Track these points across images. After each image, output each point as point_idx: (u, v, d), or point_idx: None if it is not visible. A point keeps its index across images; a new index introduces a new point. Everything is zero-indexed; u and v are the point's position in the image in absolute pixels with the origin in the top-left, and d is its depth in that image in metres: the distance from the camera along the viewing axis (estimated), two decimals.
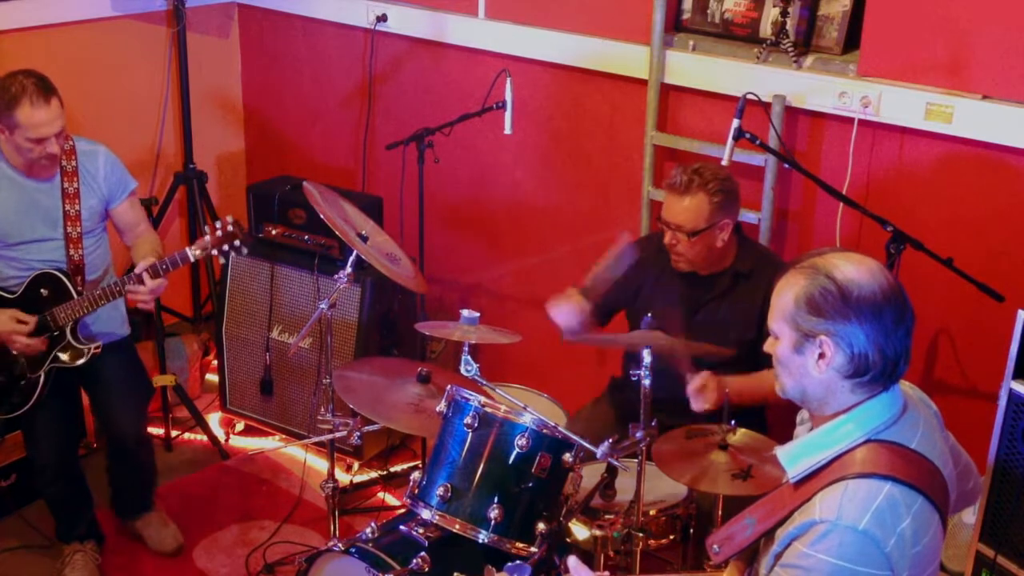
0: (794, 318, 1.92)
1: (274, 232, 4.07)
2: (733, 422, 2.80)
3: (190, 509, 3.92)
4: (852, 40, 3.40)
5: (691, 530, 2.90)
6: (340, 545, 2.71)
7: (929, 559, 1.91)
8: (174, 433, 4.31)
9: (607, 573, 2.23)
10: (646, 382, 2.72)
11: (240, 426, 4.38)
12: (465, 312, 2.75)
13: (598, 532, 2.82)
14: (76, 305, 3.35)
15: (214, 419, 4.42)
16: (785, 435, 2.18)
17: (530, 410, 2.60)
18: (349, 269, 3.23)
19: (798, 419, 2.19)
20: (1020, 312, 2.64)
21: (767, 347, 2.02)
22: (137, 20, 4.50)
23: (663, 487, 2.91)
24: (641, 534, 2.77)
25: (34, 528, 3.75)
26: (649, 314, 2.82)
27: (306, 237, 4.00)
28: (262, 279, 4.15)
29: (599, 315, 3.39)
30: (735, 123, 3.11)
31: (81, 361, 3.40)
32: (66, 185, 3.39)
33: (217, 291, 4.35)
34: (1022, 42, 3.04)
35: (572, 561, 1.96)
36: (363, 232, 3.27)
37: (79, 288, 3.39)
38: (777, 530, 1.98)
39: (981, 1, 3.07)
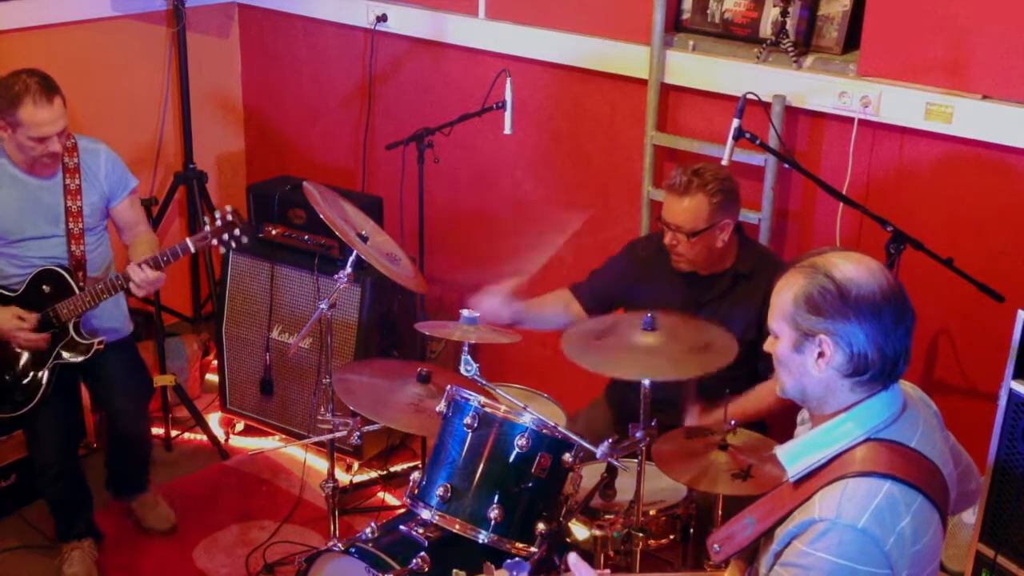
0: (793, 317, 1.93)
1: (274, 232, 4.07)
2: (733, 422, 2.80)
3: (190, 509, 3.92)
4: (852, 40, 3.40)
5: (691, 530, 2.90)
6: (340, 545, 2.71)
7: (929, 558, 1.91)
8: (174, 433, 4.31)
9: (607, 571, 2.23)
10: (646, 383, 2.72)
11: (240, 426, 4.38)
12: (465, 312, 2.75)
13: (598, 532, 2.81)
14: (78, 300, 3.36)
15: (214, 419, 4.42)
16: (785, 435, 2.18)
17: (530, 410, 2.60)
18: (349, 269, 3.23)
19: (798, 419, 2.19)
20: (1020, 312, 2.64)
21: (767, 346, 2.03)
22: (137, 20, 4.50)
23: (663, 487, 2.91)
24: (641, 534, 2.77)
25: (34, 528, 3.75)
26: (649, 314, 2.82)
27: (306, 237, 4.00)
28: (262, 279, 4.15)
29: (594, 312, 3.39)
30: (735, 123, 3.11)
31: (85, 357, 3.41)
32: (68, 182, 3.40)
33: (217, 291, 4.35)
34: (1022, 42, 3.04)
35: (572, 558, 1.96)
36: (363, 232, 3.27)
37: (81, 284, 3.41)
38: (777, 529, 1.98)
39: (981, 1, 3.07)
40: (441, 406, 2.69)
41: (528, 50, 3.99)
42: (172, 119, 4.68)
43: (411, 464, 4.14)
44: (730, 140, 3.13)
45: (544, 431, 2.59)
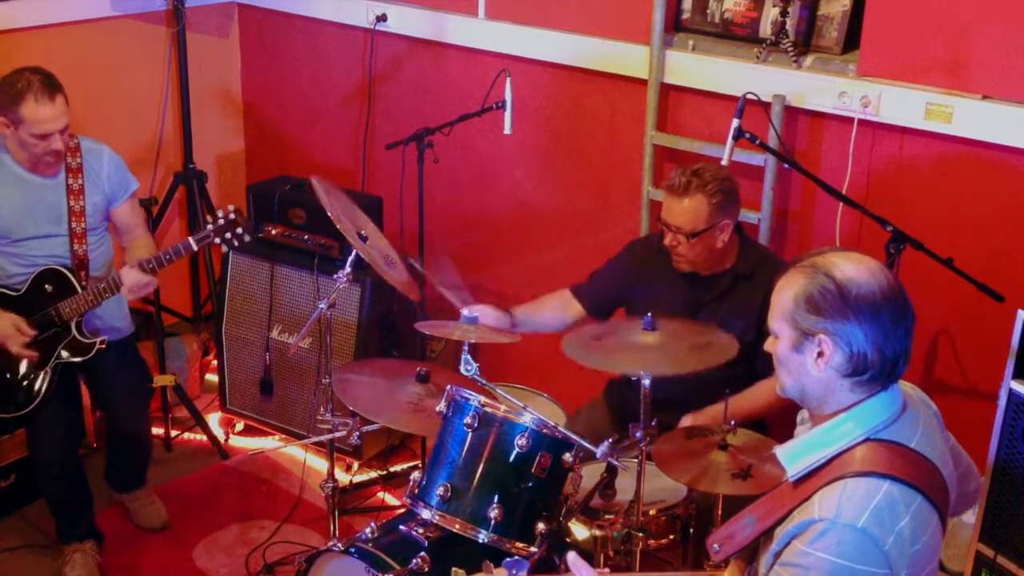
0: (793, 317, 1.93)
1: (274, 232, 4.06)
2: (733, 422, 2.80)
3: (190, 509, 3.92)
4: (852, 40, 3.40)
5: (691, 530, 2.90)
6: (340, 545, 2.71)
7: (928, 558, 1.91)
8: (174, 433, 4.31)
9: (607, 570, 2.23)
10: (646, 382, 2.72)
11: (240, 426, 4.38)
12: (465, 312, 2.75)
13: (598, 532, 2.81)
14: (81, 299, 3.37)
15: (214, 419, 4.42)
16: (785, 435, 2.18)
17: (530, 410, 2.60)
18: (349, 269, 3.23)
19: (798, 419, 2.19)
20: (1020, 312, 2.64)
21: (767, 346, 2.03)
22: (137, 20, 4.50)
23: (663, 487, 2.91)
24: (641, 534, 2.77)
25: (36, 527, 3.75)
26: (649, 314, 2.82)
27: (306, 237, 4.00)
28: (262, 279, 4.15)
29: (596, 312, 3.39)
30: (735, 123, 3.11)
31: (87, 357, 3.42)
32: (71, 181, 3.41)
33: (217, 291, 4.35)
34: (1022, 42, 3.04)
35: (572, 557, 1.96)
36: (363, 232, 3.27)
37: (83, 283, 3.41)
38: (776, 529, 1.98)
39: (981, 1, 3.07)
40: (441, 406, 2.69)
41: (528, 50, 3.99)
42: (172, 119, 4.68)
43: (411, 464, 4.14)
44: (730, 140, 3.13)
45: (544, 431, 2.59)
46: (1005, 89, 3.09)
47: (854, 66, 3.33)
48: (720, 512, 2.80)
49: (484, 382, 2.66)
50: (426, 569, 2.59)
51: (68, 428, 3.58)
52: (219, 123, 4.92)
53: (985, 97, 3.13)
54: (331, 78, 4.64)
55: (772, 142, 3.38)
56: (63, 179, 3.42)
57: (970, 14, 3.09)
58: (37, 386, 3.40)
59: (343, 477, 4.01)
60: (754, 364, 3.10)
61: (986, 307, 3.11)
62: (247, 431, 4.38)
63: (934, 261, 3.08)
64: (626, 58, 3.75)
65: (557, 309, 3.38)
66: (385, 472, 4.10)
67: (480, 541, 2.56)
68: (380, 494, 4.03)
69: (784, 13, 3.42)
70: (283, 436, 4.25)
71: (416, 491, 2.66)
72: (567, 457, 2.61)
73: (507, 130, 3.66)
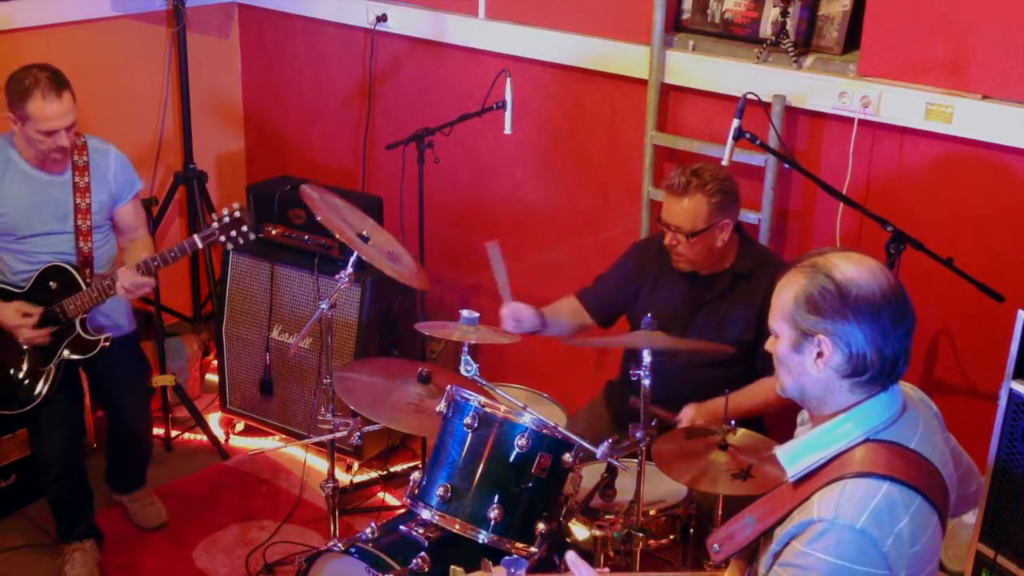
0: (793, 317, 1.93)
1: (274, 232, 4.07)
2: (733, 422, 2.80)
3: (190, 509, 3.92)
4: (852, 40, 3.40)
5: (691, 530, 2.90)
6: (340, 545, 2.72)
7: (927, 559, 1.91)
8: (174, 433, 4.31)
9: (607, 570, 2.23)
10: (646, 382, 2.72)
11: (240, 426, 4.38)
12: (465, 312, 2.75)
13: (598, 532, 2.82)
14: (85, 296, 3.38)
15: (214, 419, 4.42)
16: (785, 436, 2.18)
17: (530, 410, 2.60)
18: (350, 269, 3.22)
19: (799, 419, 2.19)
20: (1020, 312, 2.64)
21: (768, 345, 2.03)
22: (137, 20, 4.50)
23: (663, 487, 2.91)
24: (641, 534, 2.77)
25: (37, 527, 3.76)
26: (649, 314, 2.82)
27: (306, 237, 4.00)
28: (262, 279, 4.15)
29: (601, 319, 3.40)
30: (735, 123, 3.11)
31: (91, 354, 3.43)
32: (77, 179, 3.43)
33: (217, 291, 4.35)
34: (1022, 42, 3.03)
35: (571, 556, 1.96)
36: (363, 232, 3.27)
37: (88, 280, 3.42)
38: (776, 529, 1.98)
39: (981, 1, 3.07)
40: (441, 406, 2.69)
41: (528, 50, 3.98)
42: (172, 119, 4.68)
43: (411, 464, 4.14)
44: (730, 140, 3.13)
45: (544, 431, 2.59)
46: (1005, 89, 3.09)
47: (854, 66, 3.33)
48: (720, 512, 2.80)
49: (484, 382, 2.66)
50: (426, 569, 2.59)
51: (70, 427, 3.59)
52: (219, 123, 4.92)
53: (985, 97, 3.13)
54: (331, 78, 4.64)
55: (772, 142, 3.38)
56: (70, 177, 3.43)
57: (970, 14, 3.09)
58: (41, 383, 3.41)
59: (343, 477, 4.01)
60: (754, 363, 3.11)
61: (986, 307, 3.11)
62: (247, 431, 4.38)
63: (934, 261, 3.08)
64: (626, 58, 3.75)
65: (571, 315, 3.38)
66: (385, 472, 4.10)
67: (480, 541, 2.56)
68: (380, 494, 4.03)
69: (784, 13, 3.42)
70: (283, 436, 4.25)
71: (416, 491, 2.66)
72: (567, 457, 2.61)
73: (507, 130, 3.65)
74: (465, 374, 2.62)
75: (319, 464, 4.06)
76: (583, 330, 3.42)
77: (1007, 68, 3.07)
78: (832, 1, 3.42)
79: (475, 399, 2.62)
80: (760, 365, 3.05)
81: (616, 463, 2.64)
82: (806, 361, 1.93)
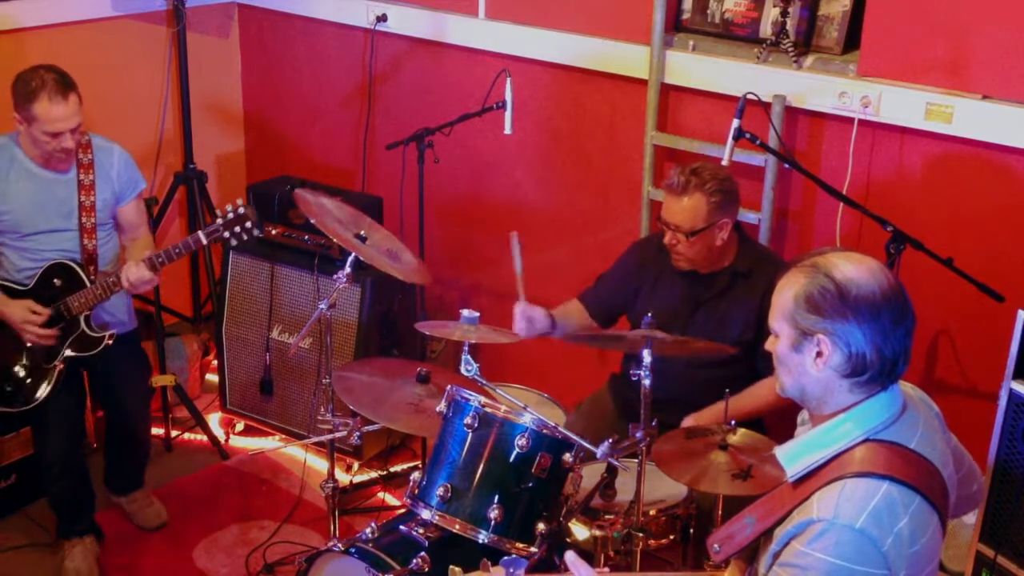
0: (793, 316, 1.93)
1: (274, 232, 4.07)
2: (733, 422, 2.80)
3: (190, 509, 3.92)
4: (852, 40, 3.40)
5: (691, 530, 2.90)
6: (340, 545, 2.71)
7: (927, 559, 1.91)
8: (174, 433, 4.31)
9: (607, 570, 2.23)
10: (646, 382, 2.72)
11: (240, 426, 4.38)
12: (465, 312, 2.75)
13: (598, 532, 2.81)
14: (90, 293, 3.39)
15: (214, 419, 4.42)
16: (785, 435, 2.18)
17: (530, 410, 2.60)
18: (349, 269, 3.23)
19: (799, 420, 2.19)
20: (1020, 312, 2.64)
21: (768, 345, 2.03)
22: (137, 20, 4.50)
23: (663, 487, 2.91)
24: (641, 534, 2.77)
25: (39, 526, 3.76)
26: (649, 314, 2.82)
27: (306, 237, 4.00)
28: (262, 279, 4.15)
29: (601, 319, 3.40)
30: (735, 123, 3.11)
31: (95, 351, 3.44)
32: (82, 176, 3.45)
33: (217, 291, 4.35)
34: (1022, 42, 3.04)
35: (570, 556, 1.96)
36: (362, 232, 3.27)
37: (92, 278, 3.43)
38: (776, 529, 1.98)
39: (981, 1, 3.07)
40: (441, 406, 2.69)
41: (528, 50, 3.98)
42: (172, 119, 4.68)
43: (411, 464, 4.14)
44: (730, 140, 3.13)
45: (544, 431, 2.59)
46: (1005, 89, 3.09)
47: (854, 66, 3.33)
48: (720, 512, 2.80)
49: (484, 382, 2.66)
50: (426, 569, 2.59)
51: (73, 426, 3.61)
52: (219, 123, 4.92)
53: (985, 97, 3.13)
54: (331, 78, 4.64)
55: (772, 142, 3.38)
56: (75, 175, 3.45)
57: (970, 14, 3.09)
58: (45, 381, 3.42)
59: (343, 477, 4.01)
60: (754, 363, 3.11)
61: (986, 307, 3.11)
62: (247, 431, 4.37)
63: (934, 261, 3.08)
64: (626, 58, 3.75)
65: (575, 317, 3.38)
66: (385, 472, 4.10)
67: (480, 541, 2.56)
68: (380, 494, 4.03)
69: (784, 13, 3.42)
70: (283, 436, 4.25)
71: (416, 491, 2.66)
72: (567, 457, 2.61)
73: (507, 130, 3.66)
74: (465, 374, 2.62)
75: (319, 464, 4.06)
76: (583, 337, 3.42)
77: (1007, 68, 3.07)
78: (832, 1, 3.42)
79: (475, 399, 2.62)
80: (761, 365, 3.05)
81: (616, 463, 2.64)
82: (806, 361, 1.93)
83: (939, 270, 3.09)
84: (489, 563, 2.12)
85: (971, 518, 2.93)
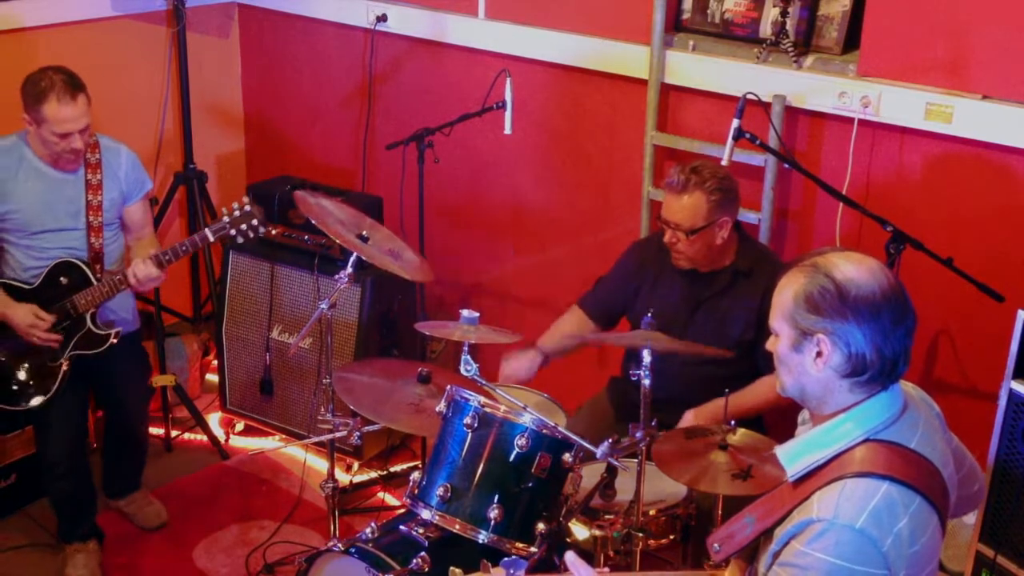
0: (793, 316, 1.93)
1: (274, 232, 4.07)
2: (733, 422, 2.80)
3: (190, 509, 3.92)
4: (852, 40, 3.40)
5: (691, 530, 2.90)
6: (340, 545, 2.71)
7: (927, 559, 1.91)
8: (174, 433, 4.31)
9: (607, 570, 2.23)
10: (646, 382, 2.72)
11: (240, 426, 4.38)
12: (465, 312, 2.74)
13: (598, 532, 2.81)
14: (96, 291, 3.40)
15: (214, 419, 4.42)
16: (785, 436, 2.18)
17: (530, 410, 2.60)
18: (349, 269, 3.22)
19: (799, 419, 2.19)
20: (1020, 312, 2.64)
21: (768, 345, 2.03)
22: (137, 20, 4.50)
23: (663, 487, 2.91)
24: (641, 534, 2.77)
25: (39, 526, 3.76)
26: (650, 313, 2.82)
27: (306, 237, 4.00)
28: (262, 279, 4.15)
29: (602, 321, 3.40)
30: (735, 123, 3.11)
31: (101, 349, 3.45)
32: (89, 176, 3.46)
33: (217, 291, 4.35)
34: (1022, 42, 3.04)
35: (570, 556, 1.96)
36: (363, 232, 3.27)
37: (98, 276, 3.44)
38: (776, 529, 1.98)
39: (981, 1, 3.07)
40: (441, 406, 2.69)
41: (528, 50, 3.98)
42: (172, 119, 4.68)
43: (411, 464, 4.14)
44: (730, 140, 3.13)
45: (544, 431, 2.59)
46: (1005, 89, 3.09)
47: (854, 66, 3.33)
48: (720, 512, 2.80)
49: (484, 382, 2.66)
50: (426, 569, 2.59)
51: (77, 426, 3.61)
52: (219, 123, 4.92)
53: (985, 97, 3.13)
54: (331, 78, 4.64)
55: (772, 142, 3.38)
56: (83, 174, 3.46)
57: (970, 14, 3.09)
58: (52, 379, 3.42)
59: (343, 477, 4.01)
60: (754, 362, 3.11)
61: (986, 307, 3.11)
62: (247, 431, 4.37)
63: (934, 261, 3.08)
64: (626, 58, 3.75)
65: (574, 332, 3.38)
66: (385, 472, 4.10)
67: (480, 541, 2.56)
68: (380, 494, 4.03)
69: (784, 13, 3.42)
70: (283, 436, 4.25)
71: (416, 491, 2.66)
72: (567, 457, 2.61)
73: (507, 130, 3.65)
74: (465, 374, 2.61)
75: (319, 464, 4.06)
76: (586, 341, 3.42)
77: (1007, 68, 3.07)
78: (832, 1, 3.42)
79: (475, 399, 2.62)
80: (762, 364, 3.05)
81: (616, 463, 2.64)
82: (806, 360, 1.93)
83: (939, 270, 3.09)
84: (489, 564, 2.12)
85: (971, 518, 2.93)
